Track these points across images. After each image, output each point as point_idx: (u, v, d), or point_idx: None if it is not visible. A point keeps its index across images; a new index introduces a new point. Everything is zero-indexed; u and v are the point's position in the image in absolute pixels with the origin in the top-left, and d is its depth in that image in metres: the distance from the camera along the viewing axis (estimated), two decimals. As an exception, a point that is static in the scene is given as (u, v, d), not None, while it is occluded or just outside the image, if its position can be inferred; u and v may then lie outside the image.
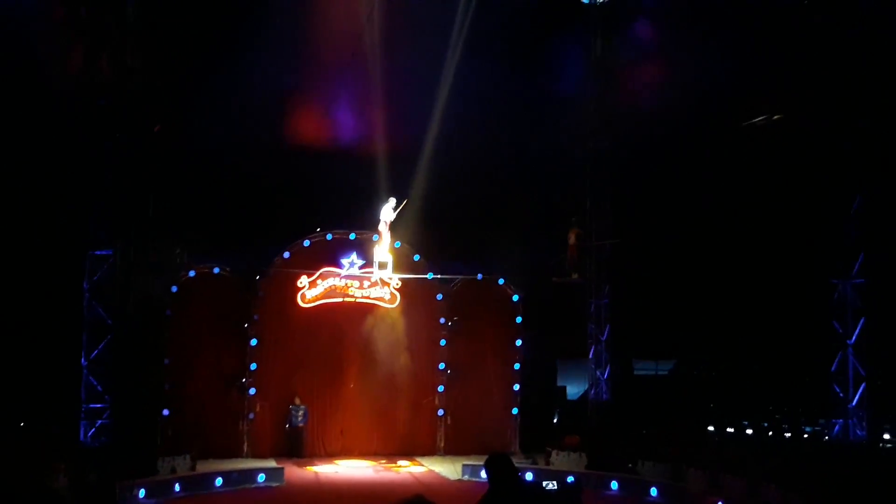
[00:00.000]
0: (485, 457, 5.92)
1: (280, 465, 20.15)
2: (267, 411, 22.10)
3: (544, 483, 18.14)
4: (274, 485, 19.06)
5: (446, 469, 20.94)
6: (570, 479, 18.01)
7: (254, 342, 21.96)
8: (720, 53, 19.95)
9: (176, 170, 19.87)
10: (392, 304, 22.83)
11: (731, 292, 22.93)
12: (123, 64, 18.08)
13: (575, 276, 22.35)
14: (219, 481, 18.64)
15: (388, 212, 21.51)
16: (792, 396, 24.49)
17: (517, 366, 23.43)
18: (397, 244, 22.09)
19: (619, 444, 20.44)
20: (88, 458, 16.57)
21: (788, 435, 22.42)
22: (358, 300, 22.72)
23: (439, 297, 23.23)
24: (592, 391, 22.04)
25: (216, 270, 21.83)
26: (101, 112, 17.87)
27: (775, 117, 19.03)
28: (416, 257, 22.92)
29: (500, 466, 5.76)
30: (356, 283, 22.64)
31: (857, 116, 19.18)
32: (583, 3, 22.11)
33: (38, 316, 19.70)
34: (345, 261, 22.53)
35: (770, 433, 22.74)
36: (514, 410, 23.28)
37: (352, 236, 22.71)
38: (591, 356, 22.15)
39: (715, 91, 20.34)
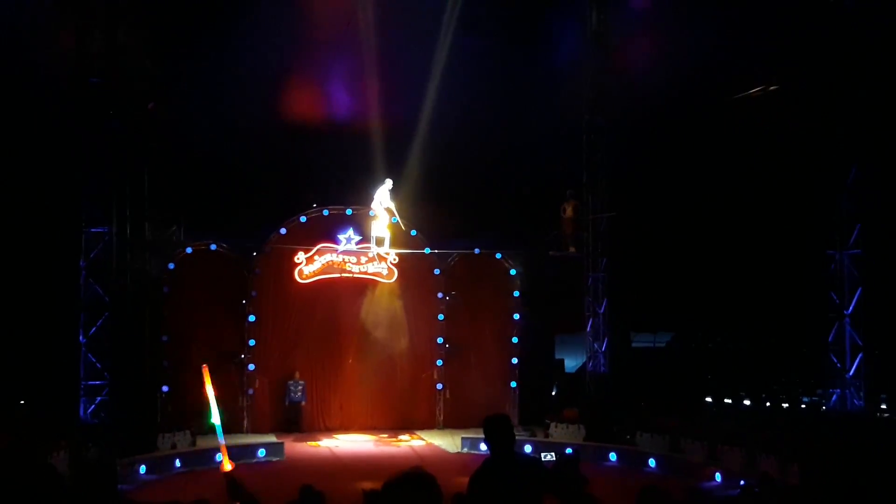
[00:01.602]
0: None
1: (280, 441, 20.24)
2: (266, 387, 22.16)
3: (542, 454, 18.26)
4: (274, 459, 19.18)
5: (445, 442, 21.07)
6: (568, 450, 18.11)
7: (252, 318, 21.97)
8: (716, 24, 19.82)
9: (171, 147, 19.83)
10: (389, 279, 22.84)
11: (728, 264, 22.95)
12: (115, 41, 17.99)
13: (572, 249, 22.39)
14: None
15: (384, 193, 21.49)
16: (789, 367, 24.58)
17: (515, 339, 23.48)
18: (394, 219, 22.05)
19: (617, 416, 20.55)
20: (88, 435, 16.65)
21: (786, 406, 22.53)
22: (355, 276, 22.73)
23: (437, 271, 23.24)
24: (590, 364, 22.08)
25: (213, 247, 21.77)
26: (93, 90, 17.79)
27: (771, 88, 18.98)
28: (413, 232, 22.88)
29: (498, 427, 5.78)
30: (353, 259, 22.64)
31: (853, 87, 19.10)
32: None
33: (36, 294, 19.72)
34: (342, 236, 22.52)
35: (767, 404, 22.84)
36: (513, 384, 23.37)
37: (348, 212, 22.67)
38: (588, 329, 22.16)
39: (711, 62, 20.23)
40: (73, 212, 18.30)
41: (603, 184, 21.63)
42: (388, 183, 21.55)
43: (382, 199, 21.57)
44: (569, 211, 22.42)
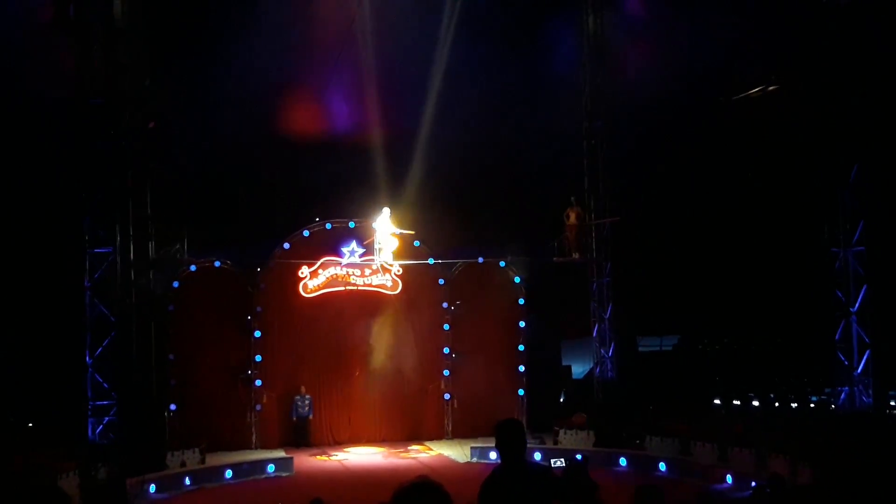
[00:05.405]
0: (493, 439, 5.90)
1: (289, 455, 20.22)
2: (274, 402, 22.14)
3: (552, 461, 18.23)
4: (284, 475, 19.15)
5: (455, 452, 21.04)
6: (577, 457, 18.06)
7: (258, 334, 21.96)
8: (713, 25, 19.85)
9: (172, 165, 19.87)
10: (394, 290, 22.83)
11: (733, 265, 22.93)
12: (115, 61, 18.06)
13: (576, 255, 22.38)
14: (229, 473, 18.73)
15: (383, 223, 21.41)
16: (797, 366, 24.51)
17: (521, 347, 23.46)
18: (397, 231, 22.03)
19: (625, 420, 20.53)
20: (97, 455, 16.62)
21: (795, 405, 22.47)
22: (360, 288, 22.72)
23: (441, 282, 23.23)
24: (598, 369, 22.08)
25: (217, 264, 21.80)
26: (94, 110, 17.85)
27: (771, 88, 19.00)
28: (417, 243, 22.85)
29: (510, 432, 5.75)
30: (357, 272, 22.64)
31: (853, 85, 19.10)
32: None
33: (42, 316, 19.73)
34: (345, 249, 22.52)
35: (776, 404, 22.78)
36: (521, 391, 23.34)
37: (351, 224, 22.69)
38: (594, 335, 22.18)
39: (710, 63, 20.25)
40: (77, 232, 18.33)
41: (605, 188, 21.66)
42: (386, 212, 21.48)
43: (383, 229, 21.49)
44: (572, 217, 22.38)
